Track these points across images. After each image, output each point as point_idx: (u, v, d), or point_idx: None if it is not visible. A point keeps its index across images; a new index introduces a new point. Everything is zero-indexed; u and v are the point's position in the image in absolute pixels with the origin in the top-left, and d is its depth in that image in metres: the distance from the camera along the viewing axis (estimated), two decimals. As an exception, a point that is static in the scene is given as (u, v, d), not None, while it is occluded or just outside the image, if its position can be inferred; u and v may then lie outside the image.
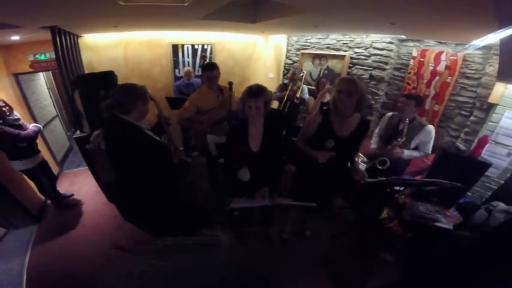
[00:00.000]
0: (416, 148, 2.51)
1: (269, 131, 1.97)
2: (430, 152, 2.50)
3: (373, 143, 2.79)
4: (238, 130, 1.96)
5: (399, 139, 2.41)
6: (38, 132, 2.84)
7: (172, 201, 2.02)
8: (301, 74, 4.04)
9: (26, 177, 2.94)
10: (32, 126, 2.82)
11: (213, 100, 2.70)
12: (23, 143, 2.65)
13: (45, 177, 3.10)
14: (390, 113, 2.77)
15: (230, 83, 2.73)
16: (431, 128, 2.45)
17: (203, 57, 4.04)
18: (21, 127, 2.67)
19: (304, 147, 2.04)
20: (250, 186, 1.97)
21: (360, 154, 2.41)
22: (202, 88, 2.84)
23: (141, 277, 2.31)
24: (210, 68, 2.67)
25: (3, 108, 2.52)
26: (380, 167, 2.45)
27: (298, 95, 3.77)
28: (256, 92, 1.79)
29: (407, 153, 2.45)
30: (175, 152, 2.08)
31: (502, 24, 1.43)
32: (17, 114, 2.71)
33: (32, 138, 2.74)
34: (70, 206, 3.30)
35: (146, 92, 1.72)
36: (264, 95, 1.81)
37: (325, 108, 2.05)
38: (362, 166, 2.45)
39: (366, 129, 1.97)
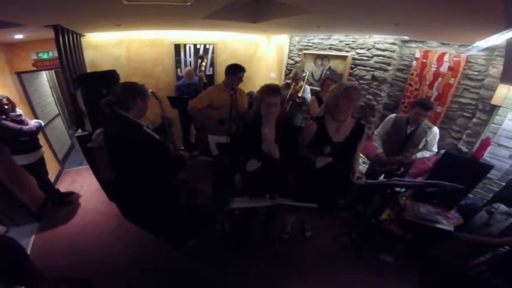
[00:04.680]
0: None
1: (281, 132, 1.96)
2: (436, 150, 2.58)
3: (378, 147, 2.79)
4: (251, 131, 1.95)
5: (420, 147, 2.47)
6: (39, 128, 2.90)
7: (171, 200, 2.03)
8: (304, 74, 4.05)
9: (26, 174, 2.97)
10: (33, 122, 2.88)
11: (226, 98, 2.76)
12: (25, 137, 2.72)
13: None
14: (393, 115, 2.77)
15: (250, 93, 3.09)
16: (436, 129, 2.55)
17: (201, 57, 4.06)
18: (23, 122, 2.74)
19: (304, 151, 2.06)
20: (259, 186, 1.97)
21: (361, 155, 2.44)
22: (219, 85, 2.95)
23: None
24: (243, 70, 2.84)
25: (5, 106, 2.59)
26: (397, 172, 2.58)
27: (300, 95, 3.78)
28: (275, 89, 1.83)
29: (419, 155, 2.53)
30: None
31: (509, 24, 1.42)
32: (19, 110, 2.78)
33: (34, 132, 2.80)
34: (67, 203, 3.33)
35: (146, 90, 1.78)
36: (280, 92, 1.85)
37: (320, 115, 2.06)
38: (361, 167, 2.48)
39: (361, 133, 1.99)
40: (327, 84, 3.50)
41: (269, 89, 1.82)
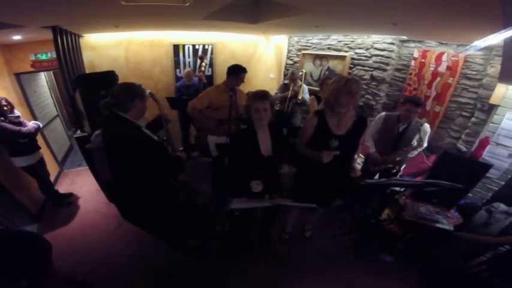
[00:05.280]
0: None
1: (275, 133, 1.97)
2: (426, 144, 2.63)
3: (371, 147, 2.79)
4: (248, 136, 1.94)
5: (415, 144, 2.52)
6: (38, 129, 2.90)
7: (170, 201, 2.03)
8: (300, 73, 4.05)
9: (26, 176, 2.96)
10: (31, 123, 2.87)
11: (225, 99, 2.75)
12: (24, 138, 2.71)
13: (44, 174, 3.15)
14: (383, 114, 2.78)
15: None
16: (427, 125, 2.61)
17: (201, 58, 4.07)
18: (21, 124, 2.73)
19: (306, 149, 2.04)
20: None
21: (361, 155, 2.46)
22: (219, 85, 2.95)
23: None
24: (246, 71, 2.86)
25: (4, 108, 2.59)
26: (393, 171, 2.64)
27: (299, 97, 3.78)
28: (262, 94, 1.81)
29: (414, 152, 2.60)
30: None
31: (507, 24, 1.42)
32: (17, 112, 2.77)
33: (32, 134, 2.80)
34: (67, 204, 3.32)
35: (144, 90, 1.78)
36: (269, 97, 1.83)
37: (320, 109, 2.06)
38: (357, 165, 2.50)
39: (363, 126, 1.98)
40: (326, 84, 3.50)
41: (257, 95, 1.81)
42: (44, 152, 3.32)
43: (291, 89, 3.84)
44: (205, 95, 2.87)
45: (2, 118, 2.55)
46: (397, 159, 2.60)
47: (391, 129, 2.64)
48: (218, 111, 2.85)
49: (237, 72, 2.80)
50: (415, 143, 2.52)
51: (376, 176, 2.83)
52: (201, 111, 2.85)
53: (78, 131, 3.18)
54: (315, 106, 3.50)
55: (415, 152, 2.65)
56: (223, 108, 2.78)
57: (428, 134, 2.60)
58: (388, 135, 2.67)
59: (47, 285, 1.73)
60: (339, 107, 1.86)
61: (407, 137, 2.58)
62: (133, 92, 1.69)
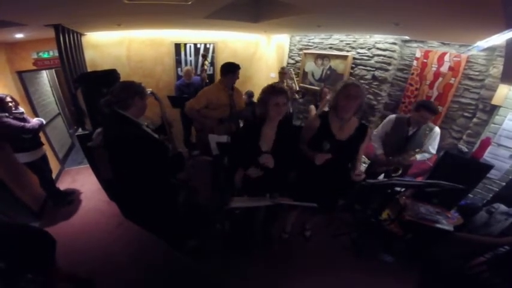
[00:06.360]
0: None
1: (283, 132, 1.94)
2: (434, 152, 2.57)
3: (378, 148, 2.76)
4: (251, 129, 1.93)
5: (417, 149, 2.49)
6: (41, 125, 2.92)
7: (170, 200, 2.04)
8: (291, 71, 4.08)
9: (27, 173, 2.98)
10: (35, 120, 2.90)
11: (224, 97, 2.75)
12: (27, 134, 2.74)
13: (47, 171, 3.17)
14: (394, 116, 2.75)
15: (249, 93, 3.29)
16: (438, 129, 2.54)
17: (204, 56, 4.06)
18: (25, 120, 2.76)
19: (304, 149, 2.04)
20: (256, 185, 1.97)
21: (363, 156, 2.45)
22: (217, 84, 2.94)
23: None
24: (240, 67, 2.85)
25: (10, 104, 2.62)
26: (394, 174, 2.60)
27: (296, 88, 3.80)
28: (282, 88, 1.79)
29: (419, 157, 2.53)
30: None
31: (509, 25, 1.42)
32: (21, 108, 2.80)
33: (36, 130, 2.82)
34: (67, 203, 3.33)
35: (144, 88, 1.78)
36: (286, 92, 1.81)
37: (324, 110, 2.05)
38: (361, 167, 2.49)
39: (364, 133, 1.96)
40: (324, 93, 3.51)
41: (276, 89, 1.77)
42: (46, 149, 3.33)
43: (285, 85, 3.84)
44: (203, 95, 2.85)
45: (6, 114, 2.57)
46: (404, 161, 2.58)
47: (401, 132, 2.61)
48: (217, 111, 2.84)
49: (234, 70, 2.80)
50: (428, 148, 2.51)
51: (381, 177, 2.82)
52: (199, 112, 2.83)
53: (80, 129, 3.19)
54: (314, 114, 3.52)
55: (426, 156, 2.61)
56: (222, 107, 2.78)
57: (438, 138, 2.54)
58: (397, 138, 2.64)
59: (50, 281, 1.75)
60: (339, 111, 1.84)
61: (415, 141, 2.55)
62: (133, 90, 1.70)
